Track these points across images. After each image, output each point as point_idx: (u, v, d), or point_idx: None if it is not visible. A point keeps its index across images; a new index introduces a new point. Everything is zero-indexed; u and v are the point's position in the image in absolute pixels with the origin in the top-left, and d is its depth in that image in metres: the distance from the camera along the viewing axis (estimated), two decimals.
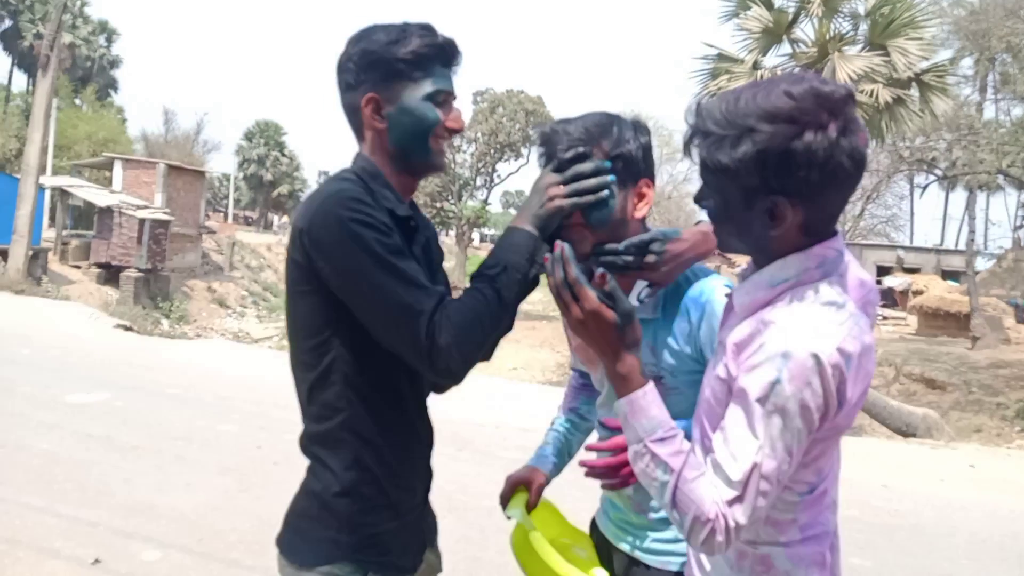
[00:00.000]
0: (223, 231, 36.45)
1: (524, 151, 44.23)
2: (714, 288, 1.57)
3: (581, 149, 1.50)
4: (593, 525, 1.87)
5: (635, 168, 1.56)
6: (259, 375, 9.54)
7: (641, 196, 1.58)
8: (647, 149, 1.58)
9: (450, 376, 1.42)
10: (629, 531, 1.70)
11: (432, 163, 1.57)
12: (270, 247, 36.47)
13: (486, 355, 1.53)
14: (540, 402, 8.92)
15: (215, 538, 4.16)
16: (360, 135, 1.58)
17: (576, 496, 2.02)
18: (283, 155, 59.26)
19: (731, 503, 1.17)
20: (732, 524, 1.17)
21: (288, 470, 5.44)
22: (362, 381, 1.47)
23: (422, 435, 1.62)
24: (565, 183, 1.49)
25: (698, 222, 1.63)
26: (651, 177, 1.60)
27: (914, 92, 12.38)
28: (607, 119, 1.56)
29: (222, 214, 58.55)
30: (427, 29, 1.54)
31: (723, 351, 1.28)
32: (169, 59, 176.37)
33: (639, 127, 1.58)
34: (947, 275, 38.74)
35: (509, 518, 1.74)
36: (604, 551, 1.77)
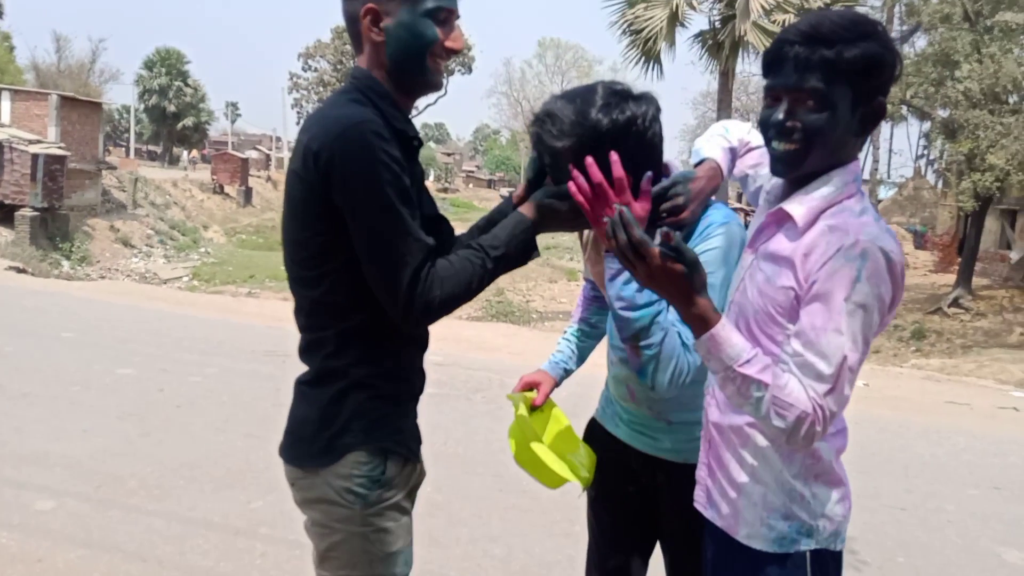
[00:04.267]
0: (125, 167, 34.51)
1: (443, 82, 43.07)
2: (718, 214, 1.69)
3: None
4: (593, 424, 2.05)
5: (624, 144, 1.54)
6: (162, 317, 9.21)
7: None
8: (632, 119, 1.54)
9: (415, 327, 1.50)
10: (646, 433, 1.87)
11: (429, 82, 1.56)
12: (176, 183, 34.85)
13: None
14: (456, 338, 8.92)
15: (114, 484, 4.02)
16: (359, 47, 1.55)
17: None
18: (187, 85, 56.45)
19: (825, 395, 1.30)
20: (828, 413, 1.30)
21: (192, 413, 5.36)
22: (364, 292, 1.49)
23: (416, 337, 1.66)
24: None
25: (699, 162, 1.71)
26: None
27: None
28: (583, 107, 1.54)
29: (123, 148, 55.67)
30: None
31: (784, 262, 1.38)
32: None
33: (621, 101, 1.54)
34: None
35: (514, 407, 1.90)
36: (609, 446, 1.94)
